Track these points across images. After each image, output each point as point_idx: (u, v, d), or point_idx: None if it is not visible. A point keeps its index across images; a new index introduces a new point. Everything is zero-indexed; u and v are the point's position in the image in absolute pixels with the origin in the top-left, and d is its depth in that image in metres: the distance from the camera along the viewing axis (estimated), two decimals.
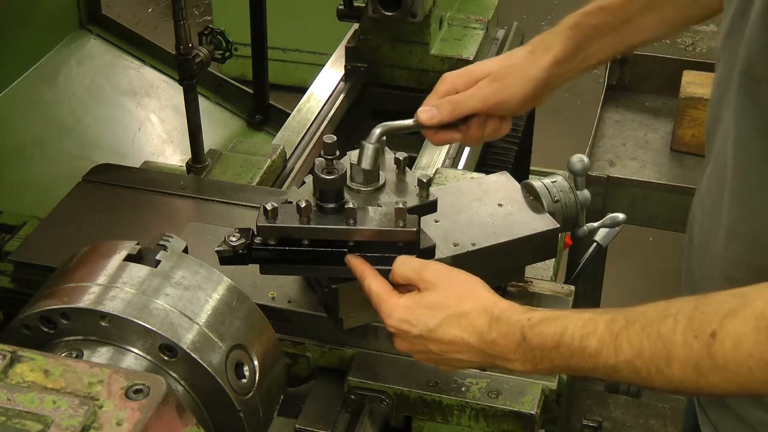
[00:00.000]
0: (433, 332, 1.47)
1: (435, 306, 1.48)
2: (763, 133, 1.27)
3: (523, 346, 1.39)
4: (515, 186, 1.87)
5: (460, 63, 2.80)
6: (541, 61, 1.70)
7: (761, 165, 1.28)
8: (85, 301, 1.43)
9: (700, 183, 1.50)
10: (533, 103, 1.75)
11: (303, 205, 1.57)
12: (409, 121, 1.70)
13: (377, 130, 1.66)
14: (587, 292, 3.05)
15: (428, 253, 1.64)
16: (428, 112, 1.68)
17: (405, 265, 1.54)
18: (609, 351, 1.29)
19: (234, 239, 1.62)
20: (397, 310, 1.50)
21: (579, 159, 1.83)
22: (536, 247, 1.78)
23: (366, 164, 1.64)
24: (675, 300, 1.27)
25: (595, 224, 1.89)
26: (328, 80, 2.92)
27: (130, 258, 1.51)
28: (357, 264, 1.58)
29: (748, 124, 1.29)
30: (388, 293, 1.53)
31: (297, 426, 1.72)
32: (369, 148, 1.64)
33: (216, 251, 1.63)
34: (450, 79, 1.71)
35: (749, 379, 1.19)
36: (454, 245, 1.71)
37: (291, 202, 1.61)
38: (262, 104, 3.46)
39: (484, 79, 1.69)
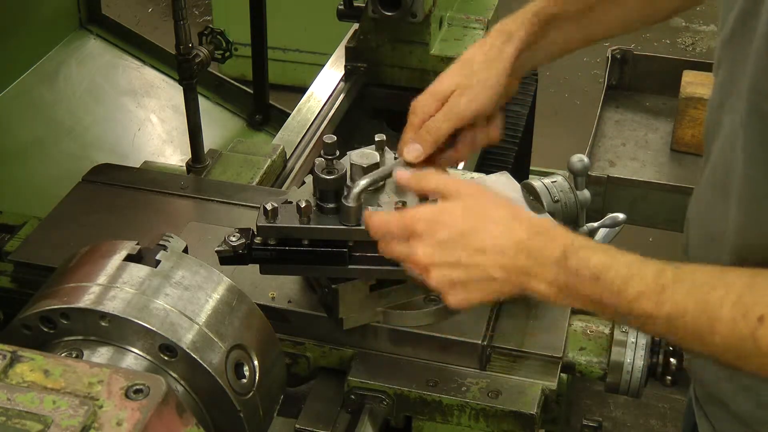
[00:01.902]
0: (467, 234, 1.38)
1: (469, 209, 1.41)
2: None
3: (561, 265, 1.33)
4: (515, 186, 1.87)
5: None
6: (503, 54, 1.66)
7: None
8: (85, 301, 1.43)
9: (697, 189, 1.49)
10: (507, 96, 1.73)
11: (303, 205, 1.58)
12: (391, 166, 1.65)
13: (360, 184, 1.60)
14: None
15: None
16: (413, 151, 1.62)
17: (430, 177, 1.50)
18: (650, 301, 1.25)
19: (234, 239, 1.62)
20: (426, 210, 1.43)
21: (579, 159, 1.83)
22: None
23: (351, 202, 1.60)
24: (729, 269, 1.25)
25: (595, 224, 1.89)
26: (328, 80, 2.92)
27: (130, 258, 1.51)
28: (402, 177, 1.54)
29: (756, 137, 1.26)
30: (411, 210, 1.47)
31: (297, 426, 1.72)
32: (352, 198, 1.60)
33: (216, 251, 1.63)
34: (420, 107, 1.66)
35: None
36: None
37: (291, 202, 1.61)
38: (262, 104, 3.46)
39: (452, 94, 1.64)
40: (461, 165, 2.50)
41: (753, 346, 1.19)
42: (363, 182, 1.61)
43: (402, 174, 1.55)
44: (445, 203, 1.44)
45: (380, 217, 1.48)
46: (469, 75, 1.65)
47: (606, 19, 1.72)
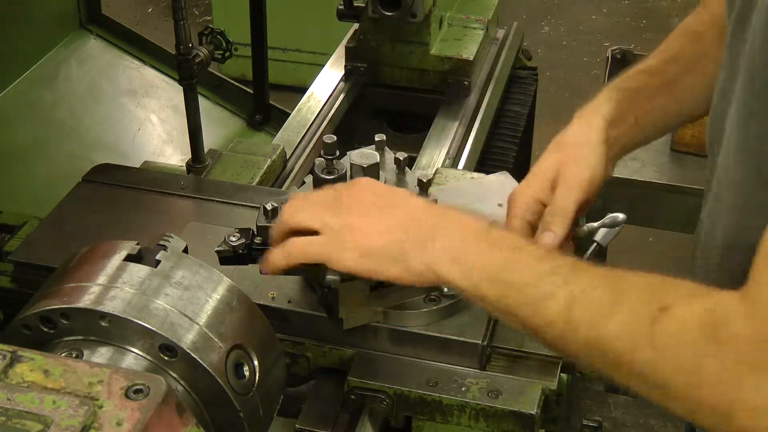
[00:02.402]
0: (380, 199, 1.41)
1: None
2: (760, 155, 1.22)
3: (481, 232, 1.31)
4: (515, 186, 1.86)
5: (460, 63, 2.80)
6: (593, 124, 1.59)
7: (756, 184, 1.23)
8: (85, 301, 1.43)
9: (706, 197, 1.45)
10: (607, 171, 1.61)
11: None
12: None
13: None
14: None
15: None
16: (548, 237, 1.53)
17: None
18: (561, 277, 1.22)
19: (234, 239, 1.62)
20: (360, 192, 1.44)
21: None
22: None
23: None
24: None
25: (595, 224, 1.88)
26: (328, 80, 2.92)
27: (130, 258, 1.50)
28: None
29: (747, 141, 1.24)
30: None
31: (297, 426, 1.72)
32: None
33: (216, 251, 1.63)
34: (520, 195, 1.59)
35: (671, 375, 1.12)
36: None
37: None
38: (262, 104, 3.46)
39: (553, 173, 1.58)
40: (461, 165, 2.51)
41: (647, 333, 1.13)
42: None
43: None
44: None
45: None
46: (562, 145, 1.59)
47: (690, 88, 1.62)
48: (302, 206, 1.45)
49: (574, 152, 1.57)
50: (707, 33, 1.60)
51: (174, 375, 1.43)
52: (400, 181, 1.70)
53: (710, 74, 1.54)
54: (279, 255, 1.47)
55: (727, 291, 1.11)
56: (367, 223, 1.39)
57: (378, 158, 1.68)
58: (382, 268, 1.39)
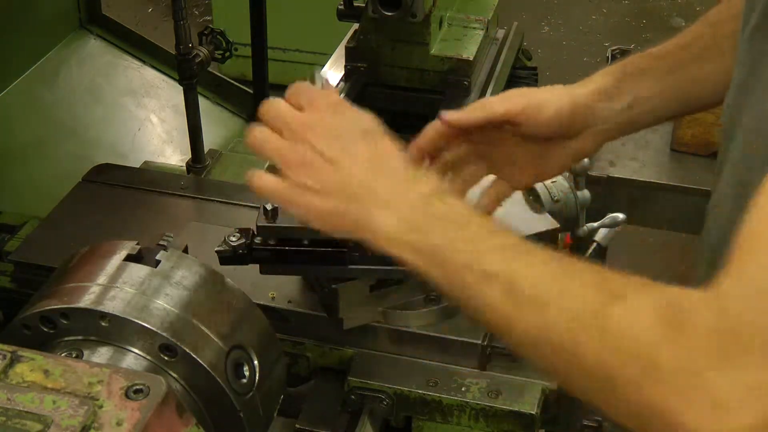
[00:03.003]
0: (347, 136, 1.29)
1: (360, 121, 1.33)
2: None
3: (424, 201, 1.21)
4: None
5: (460, 63, 2.80)
6: (579, 89, 1.52)
7: None
8: (85, 301, 1.43)
9: (714, 193, 1.40)
10: (569, 128, 1.50)
11: None
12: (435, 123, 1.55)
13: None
14: None
15: None
16: (454, 113, 1.48)
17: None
18: (506, 252, 1.12)
19: (234, 239, 1.62)
20: (323, 102, 1.34)
21: None
22: None
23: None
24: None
25: (595, 224, 1.89)
26: (328, 80, 2.91)
27: (130, 258, 1.51)
28: None
29: None
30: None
31: (297, 426, 1.72)
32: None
33: (216, 251, 1.63)
34: (487, 100, 1.55)
35: (619, 371, 0.98)
36: None
37: None
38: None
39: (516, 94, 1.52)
40: None
41: (595, 319, 1.01)
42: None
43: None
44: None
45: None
46: (540, 89, 1.53)
47: (701, 76, 1.56)
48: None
49: (540, 99, 1.50)
50: (726, 23, 1.56)
51: (174, 375, 1.43)
52: None
53: (722, 65, 1.51)
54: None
55: (692, 288, 1.01)
56: (313, 180, 1.29)
57: None
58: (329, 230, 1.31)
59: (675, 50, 1.59)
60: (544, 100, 1.50)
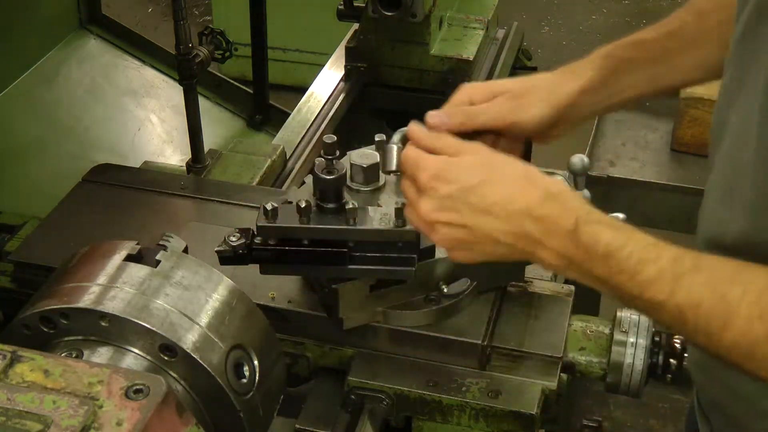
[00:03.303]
0: (473, 191, 1.31)
1: (478, 164, 1.34)
2: None
3: (570, 237, 1.26)
4: None
5: (460, 63, 2.80)
6: (565, 87, 1.58)
7: None
8: (85, 301, 1.43)
9: (705, 190, 1.43)
10: (552, 130, 1.60)
11: (303, 205, 1.58)
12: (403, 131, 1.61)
13: (398, 135, 1.56)
14: (587, 292, 3.05)
15: (428, 252, 1.64)
16: (438, 117, 1.52)
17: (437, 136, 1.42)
18: (663, 288, 1.20)
19: (234, 239, 1.62)
20: (432, 161, 1.36)
21: (579, 159, 1.82)
22: None
23: (391, 166, 1.53)
24: (750, 266, 1.20)
25: None
26: (328, 80, 2.92)
27: (130, 258, 1.51)
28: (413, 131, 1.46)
29: None
30: (425, 153, 1.40)
31: (297, 426, 1.72)
32: (393, 149, 1.53)
33: (216, 251, 1.63)
34: (467, 89, 1.59)
35: None
36: None
37: (291, 202, 1.61)
38: (262, 104, 3.46)
39: (502, 95, 1.57)
40: None
41: (765, 348, 1.15)
42: (400, 135, 1.55)
43: (415, 127, 1.48)
44: (454, 157, 1.37)
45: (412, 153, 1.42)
46: (527, 87, 1.58)
47: (684, 66, 1.60)
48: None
49: (527, 101, 1.56)
50: (712, 13, 1.58)
51: (174, 375, 1.43)
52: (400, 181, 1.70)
53: (704, 54, 1.57)
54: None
55: None
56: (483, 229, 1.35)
57: (378, 158, 1.68)
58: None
59: (661, 38, 1.61)
60: (528, 108, 1.56)
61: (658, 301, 1.22)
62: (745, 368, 1.20)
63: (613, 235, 1.25)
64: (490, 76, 2.93)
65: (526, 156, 1.66)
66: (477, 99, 1.57)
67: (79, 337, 1.44)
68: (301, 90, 2.94)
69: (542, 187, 1.32)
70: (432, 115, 1.52)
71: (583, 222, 1.27)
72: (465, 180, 1.33)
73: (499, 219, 1.31)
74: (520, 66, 3.18)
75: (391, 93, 2.90)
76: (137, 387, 1.12)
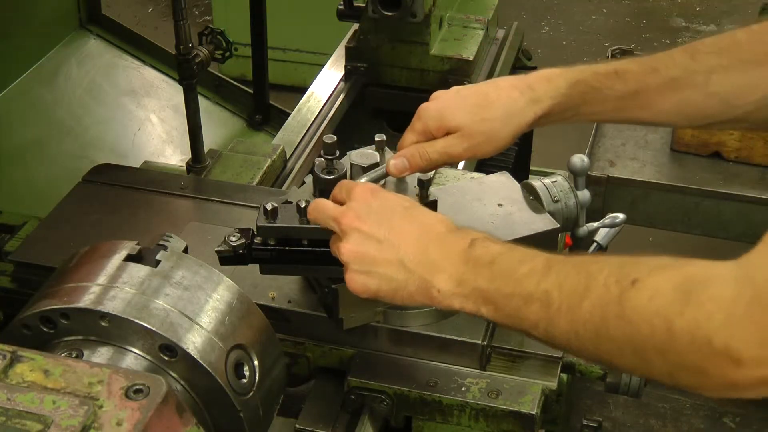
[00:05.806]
0: (394, 214, 1.44)
1: (405, 200, 1.50)
2: None
3: (465, 254, 1.36)
4: (515, 186, 1.87)
5: (460, 63, 2.80)
6: (522, 117, 1.64)
7: None
8: (85, 301, 1.43)
9: None
10: (513, 142, 1.71)
11: (303, 205, 1.58)
12: (382, 170, 1.67)
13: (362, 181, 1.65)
14: None
15: None
16: (399, 165, 1.64)
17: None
18: (533, 279, 1.28)
19: (234, 239, 1.62)
20: (361, 189, 1.49)
21: (579, 159, 1.83)
22: (536, 247, 1.77)
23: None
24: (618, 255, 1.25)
25: (595, 224, 1.89)
26: (328, 80, 2.92)
27: (130, 258, 1.51)
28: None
29: None
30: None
31: (297, 426, 1.72)
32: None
33: (216, 251, 1.63)
34: (425, 116, 1.66)
35: (645, 342, 1.13)
36: None
37: (291, 202, 1.61)
38: (262, 104, 3.46)
39: (454, 133, 1.63)
40: (461, 165, 2.50)
41: (618, 309, 1.16)
42: (362, 180, 1.61)
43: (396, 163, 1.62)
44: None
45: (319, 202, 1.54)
46: (482, 121, 1.64)
47: (658, 106, 1.61)
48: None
49: (482, 134, 1.63)
50: (709, 56, 1.56)
51: (174, 375, 1.43)
52: (401, 182, 1.70)
53: (689, 99, 1.57)
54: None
55: (719, 261, 1.13)
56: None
57: (378, 158, 1.68)
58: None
59: (643, 73, 1.61)
60: (482, 146, 1.65)
61: (527, 294, 1.28)
62: (599, 347, 1.21)
63: (501, 248, 1.36)
64: (490, 76, 2.93)
65: (525, 154, 1.69)
66: (433, 129, 1.65)
67: (79, 337, 1.44)
68: (301, 90, 2.93)
69: (448, 223, 1.45)
70: (394, 164, 1.64)
71: (478, 240, 1.38)
72: (393, 203, 1.47)
73: (410, 243, 1.41)
74: (520, 66, 3.18)
75: (391, 93, 2.90)
76: (137, 387, 1.12)
